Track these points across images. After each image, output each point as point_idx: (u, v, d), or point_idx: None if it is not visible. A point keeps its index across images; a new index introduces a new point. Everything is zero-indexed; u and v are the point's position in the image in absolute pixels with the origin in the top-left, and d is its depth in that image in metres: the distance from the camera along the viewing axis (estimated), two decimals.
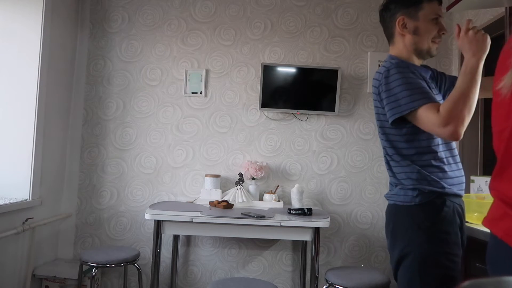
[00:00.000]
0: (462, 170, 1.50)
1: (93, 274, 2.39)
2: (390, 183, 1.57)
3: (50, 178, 2.76)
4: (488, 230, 1.69)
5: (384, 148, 1.56)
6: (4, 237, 2.30)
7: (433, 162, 1.43)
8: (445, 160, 1.45)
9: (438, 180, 1.41)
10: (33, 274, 2.61)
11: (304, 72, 2.91)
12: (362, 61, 3.02)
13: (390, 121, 1.42)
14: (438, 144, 1.45)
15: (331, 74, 2.90)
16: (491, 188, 1.09)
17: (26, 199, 2.50)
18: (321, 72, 2.92)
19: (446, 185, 1.41)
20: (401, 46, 1.53)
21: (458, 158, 1.51)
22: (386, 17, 1.57)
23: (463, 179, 1.50)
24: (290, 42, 3.02)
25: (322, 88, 2.92)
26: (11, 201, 2.38)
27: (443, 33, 1.49)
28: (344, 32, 3.03)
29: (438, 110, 1.30)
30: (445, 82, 1.66)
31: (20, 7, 2.53)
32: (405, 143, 1.46)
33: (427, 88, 1.40)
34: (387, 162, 1.56)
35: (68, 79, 2.93)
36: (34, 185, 2.54)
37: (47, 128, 2.68)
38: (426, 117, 1.32)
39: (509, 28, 1.81)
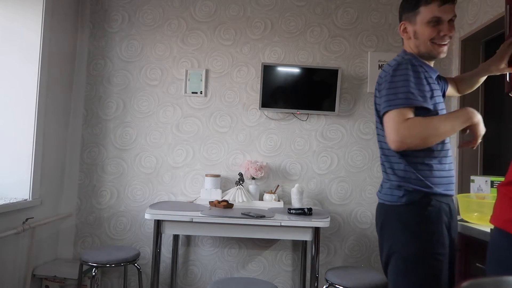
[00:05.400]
0: (453, 171, 1.52)
1: (93, 274, 2.39)
2: (382, 180, 1.59)
3: (50, 178, 2.76)
4: (486, 230, 1.69)
5: (379, 142, 1.57)
6: (4, 237, 2.30)
7: (426, 160, 1.44)
8: (439, 159, 1.46)
9: (423, 178, 1.43)
10: (33, 274, 2.62)
11: (304, 72, 2.91)
12: (362, 61, 3.02)
13: (383, 112, 1.42)
14: (437, 144, 1.46)
15: (331, 74, 2.90)
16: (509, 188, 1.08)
17: (26, 199, 2.50)
18: (321, 72, 2.92)
19: (431, 184, 1.42)
20: (408, 48, 1.57)
21: (451, 159, 1.53)
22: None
23: (453, 179, 1.51)
24: (290, 42, 3.02)
25: (322, 88, 2.92)
26: (11, 201, 2.38)
27: (444, 34, 1.47)
28: (344, 32, 3.03)
29: (408, 118, 1.35)
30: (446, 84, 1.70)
31: (20, 7, 2.53)
32: None
33: (426, 91, 1.42)
34: (381, 158, 1.59)
35: (68, 79, 2.93)
36: (34, 185, 2.54)
37: (47, 128, 2.68)
38: (396, 119, 1.36)
39: (509, 28, 1.81)
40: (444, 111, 1.50)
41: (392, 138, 1.35)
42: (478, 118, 1.39)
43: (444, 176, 1.46)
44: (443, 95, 1.70)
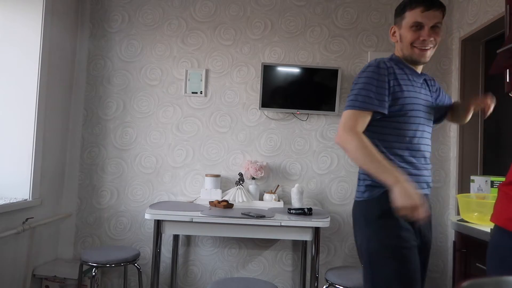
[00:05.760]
0: (426, 171, 1.54)
1: (93, 274, 2.39)
2: None
3: (50, 178, 2.76)
4: (486, 229, 1.69)
5: None
6: (4, 237, 2.30)
7: (389, 156, 1.48)
8: (404, 157, 1.49)
9: None
10: (33, 274, 2.62)
11: (304, 72, 2.91)
12: (362, 61, 3.02)
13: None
14: (404, 143, 1.50)
15: (331, 74, 2.90)
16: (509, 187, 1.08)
17: (26, 199, 2.50)
18: (321, 72, 2.92)
19: None
20: (396, 51, 1.63)
21: (424, 160, 1.54)
22: None
23: (424, 179, 1.53)
24: (290, 42, 3.02)
25: (322, 88, 2.92)
26: (11, 201, 2.38)
27: (424, 40, 1.50)
28: (344, 32, 3.03)
29: (358, 128, 1.43)
30: (439, 94, 1.73)
31: (20, 7, 2.53)
32: (367, 132, 1.49)
33: (387, 95, 1.47)
34: None
35: (68, 79, 2.93)
36: (34, 185, 2.54)
37: (47, 128, 2.68)
38: (350, 119, 1.44)
39: (509, 28, 1.81)
40: (419, 113, 1.52)
41: (338, 133, 1.45)
42: (402, 191, 1.29)
43: (410, 174, 1.48)
44: (442, 106, 1.71)
